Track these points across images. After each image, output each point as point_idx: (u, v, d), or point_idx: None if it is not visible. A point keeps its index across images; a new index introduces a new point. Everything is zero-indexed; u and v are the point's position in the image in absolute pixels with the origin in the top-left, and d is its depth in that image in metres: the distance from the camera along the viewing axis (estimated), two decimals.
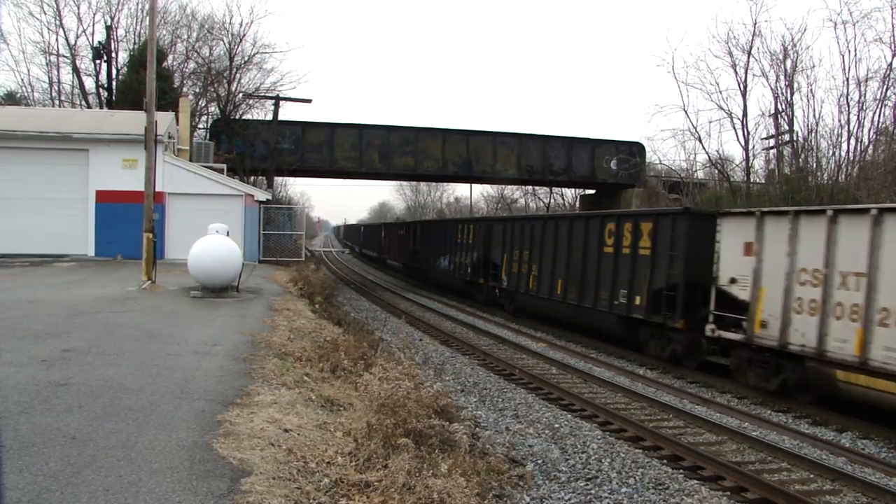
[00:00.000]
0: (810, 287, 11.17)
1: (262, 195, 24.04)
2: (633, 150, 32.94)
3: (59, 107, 32.33)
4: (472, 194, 59.11)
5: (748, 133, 28.05)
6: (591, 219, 18.43)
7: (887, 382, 9.68)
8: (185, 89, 32.08)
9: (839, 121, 25.08)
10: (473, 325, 20.15)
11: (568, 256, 18.70)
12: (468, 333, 18.80)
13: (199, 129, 32.54)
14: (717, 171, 30.64)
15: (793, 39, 31.79)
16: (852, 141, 24.60)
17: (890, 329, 9.75)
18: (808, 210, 11.94)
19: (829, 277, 10.87)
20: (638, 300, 15.52)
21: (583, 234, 18.06)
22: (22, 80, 36.74)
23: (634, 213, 18.26)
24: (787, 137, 27.04)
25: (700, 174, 33.86)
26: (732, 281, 12.85)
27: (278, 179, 38.63)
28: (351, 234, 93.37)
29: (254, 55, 31.87)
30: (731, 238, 12.92)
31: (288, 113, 38.37)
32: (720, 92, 32.14)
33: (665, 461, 8.51)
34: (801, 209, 12.17)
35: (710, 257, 13.30)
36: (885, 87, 23.74)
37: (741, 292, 12.60)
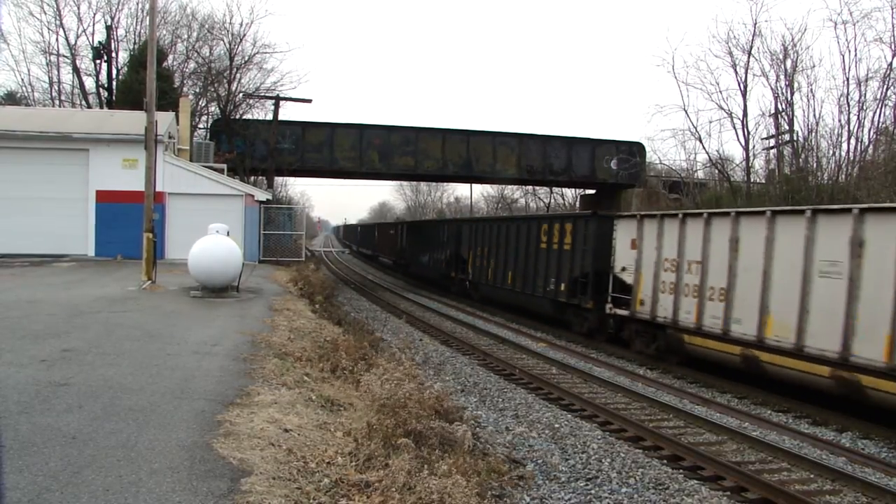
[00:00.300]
0: (670, 273, 14.42)
1: (262, 195, 24.03)
2: (634, 150, 32.90)
3: (59, 107, 32.32)
4: (472, 194, 59.11)
5: (748, 133, 28.05)
6: (532, 220, 22.45)
7: (711, 341, 13.08)
8: (185, 89, 32.07)
9: (839, 121, 25.08)
10: (473, 324, 20.16)
11: (516, 252, 22.02)
12: (468, 333, 18.81)
13: (200, 129, 32.53)
14: (717, 171, 30.62)
15: (793, 39, 31.82)
16: (852, 141, 24.59)
17: (714, 302, 13.09)
18: (668, 213, 15.16)
19: (681, 265, 14.14)
20: (562, 287, 18.87)
21: (526, 233, 21.51)
22: (22, 80, 36.79)
23: (560, 216, 22.06)
24: (787, 137, 27.02)
25: (700, 174, 33.82)
26: (623, 269, 16.00)
27: (278, 179, 38.62)
28: (349, 234, 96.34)
29: (254, 55, 31.88)
30: (623, 235, 16.14)
31: (288, 113, 38.42)
32: (720, 92, 32.06)
33: (665, 461, 8.50)
34: (665, 213, 15.33)
35: (611, 251, 16.49)
36: (885, 86, 23.73)
37: (629, 278, 15.74)
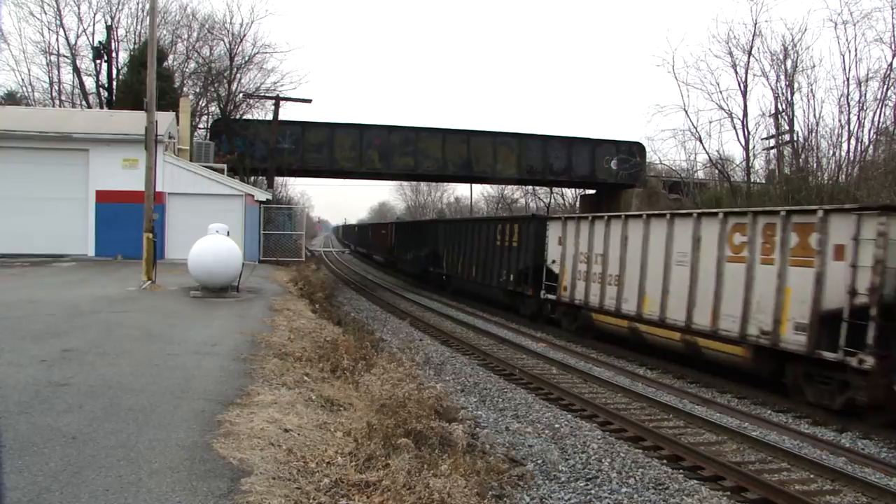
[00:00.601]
0: (583, 264, 17.70)
1: (262, 195, 24.03)
2: (634, 150, 32.88)
3: (60, 107, 32.31)
4: (472, 194, 59.14)
5: (748, 133, 28.01)
6: (491, 222, 26.28)
7: (610, 318, 16.49)
8: (185, 89, 32.07)
9: (839, 121, 25.05)
10: (473, 325, 20.17)
11: (478, 249, 25.49)
12: (468, 333, 18.82)
13: (200, 129, 32.52)
14: (717, 171, 30.59)
15: (793, 39, 31.76)
16: (852, 141, 24.56)
17: (612, 286, 16.35)
18: (582, 216, 18.81)
19: (590, 258, 17.38)
20: (511, 277, 22.21)
21: (486, 233, 24.92)
22: (22, 80, 36.72)
23: (510, 218, 26.73)
24: (787, 137, 26.98)
25: (700, 174, 33.79)
26: (553, 262, 19.34)
27: (278, 179, 38.61)
28: (348, 234, 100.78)
29: (254, 55, 31.87)
30: (553, 234, 19.60)
31: (288, 113, 38.35)
32: (720, 92, 31.94)
33: (665, 461, 8.50)
34: (580, 216, 19.10)
35: (545, 247, 19.87)
36: (885, 87, 23.70)
37: (557, 269, 19.12)
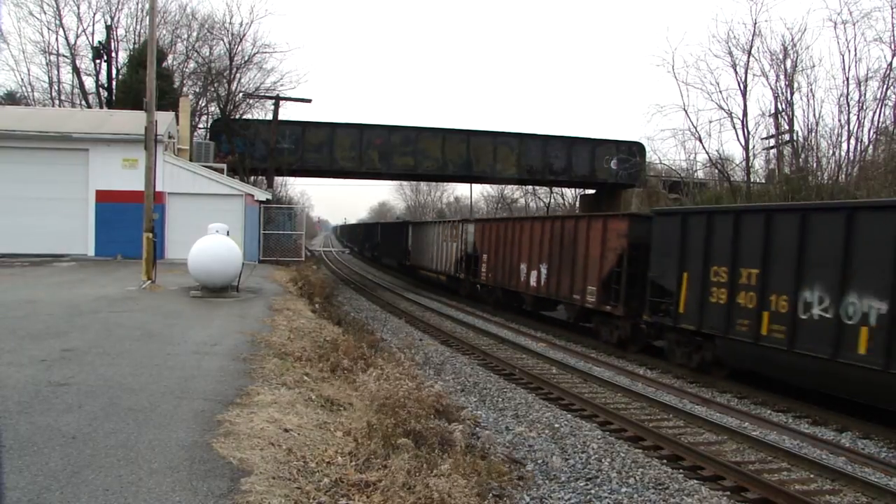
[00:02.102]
0: (418, 245, 34.84)
1: (262, 195, 24.03)
2: (634, 150, 32.84)
3: (59, 107, 32.31)
4: (472, 194, 59.08)
5: (748, 133, 27.93)
6: (393, 224, 49.05)
7: (424, 270, 33.83)
8: (185, 89, 32.08)
9: (839, 120, 25.00)
10: (473, 324, 20.17)
11: (394, 240, 42.44)
12: (468, 333, 18.82)
13: (199, 128, 32.53)
14: (717, 171, 30.56)
15: (793, 39, 31.65)
16: (852, 141, 24.52)
17: (424, 255, 33.35)
18: (412, 222, 43.26)
19: (424, 241, 33.43)
20: (401, 254, 38.31)
21: (392, 230, 44.73)
22: (22, 79, 36.70)
23: (402, 222, 45.62)
24: (787, 137, 26.95)
25: (700, 174, 33.78)
26: (410, 245, 35.99)
27: (278, 179, 38.59)
28: (344, 233, 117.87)
29: (254, 55, 31.84)
30: (410, 231, 37.14)
31: (288, 113, 38.39)
32: (720, 92, 31.87)
33: (665, 461, 8.50)
34: (411, 221, 45.94)
35: (408, 238, 36.87)
36: (885, 86, 23.67)
37: (412, 249, 35.77)
